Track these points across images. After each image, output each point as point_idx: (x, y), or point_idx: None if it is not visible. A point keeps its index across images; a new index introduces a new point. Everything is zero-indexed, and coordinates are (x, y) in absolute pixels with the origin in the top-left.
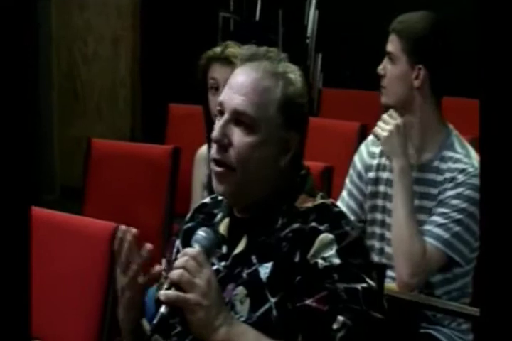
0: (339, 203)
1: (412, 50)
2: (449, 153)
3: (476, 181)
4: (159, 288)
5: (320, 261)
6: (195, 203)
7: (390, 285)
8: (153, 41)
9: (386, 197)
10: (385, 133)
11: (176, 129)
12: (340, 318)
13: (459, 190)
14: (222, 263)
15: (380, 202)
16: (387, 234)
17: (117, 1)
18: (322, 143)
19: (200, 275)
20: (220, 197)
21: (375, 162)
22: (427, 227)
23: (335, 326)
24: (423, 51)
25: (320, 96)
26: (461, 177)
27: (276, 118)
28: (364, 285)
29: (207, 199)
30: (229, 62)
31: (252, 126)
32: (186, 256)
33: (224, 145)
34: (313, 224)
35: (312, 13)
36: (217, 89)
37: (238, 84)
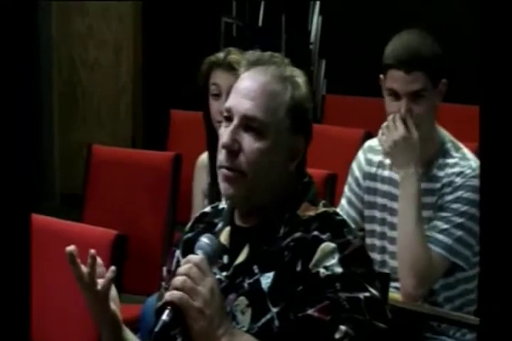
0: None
1: (437, 75)
2: (445, 160)
3: (475, 182)
4: (159, 299)
5: (322, 270)
6: (195, 212)
7: (394, 295)
8: (155, 47)
9: (385, 209)
10: (387, 144)
11: (177, 136)
12: (343, 328)
13: (458, 193)
14: (224, 273)
15: (377, 213)
16: (390, 248)
17: (119, 6)
18: (325, 151)
19: (203, 283)
20: (220, 206)
21: (373, 170)
22: (429, 233)
23: (337, 336)
24: (442, 68)
25: (323, 103)
26: (459, 181)
27: (284, 122)
28: (367, 294)
29: (207, 209)
30: (231, 69)
31: (262, 130)
32: (190, 263)
33: (234, 151)
34: (315, 232)
35: (316, 19)
36: (218, 95)
37: (246, 89)
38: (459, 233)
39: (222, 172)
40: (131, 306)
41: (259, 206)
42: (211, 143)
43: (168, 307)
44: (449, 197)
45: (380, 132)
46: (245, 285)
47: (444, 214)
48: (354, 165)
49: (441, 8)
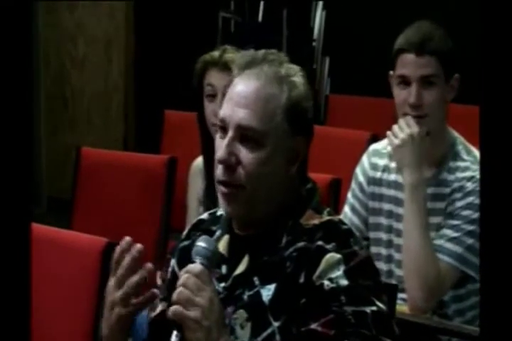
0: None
1: (449, 64)
2: (456, 163)
3: None
4: (152, 310)
5: (326, 283)
6: (190, 219)
7: (401, 307)
8: (148, 43)
9: (392, 215)
10: (397, 141)
11: (172, 138)
12: None
13: (469, 199)
14: (222, 285)
15: (384, 220)
16: (396, 256)
17: (110, 1)
18: (329, 154)
19: (201, 294)
20: (218, 213)
21: (377, 175)
22: (438, 242)
23: None
24: (456, 60)
25: (327, 103)
26: (470, 186)
27: (282, 126)
28: (373, 308)
29: (204, 215)
30: (227, 68)
31: (259, 139)
32: (188, 273)
33: (231, 165)
34: (320, 242)
35: (319, 14)
36: (213, 96)
37: (239, 96)
38: (470, 241)
39: (220, 189)
40: None
41: (261, 216)
42: (206, 147)
43: (176, 333)
44: (460, 204)
45: (389, 132)
46: (245, 297)
47: (454, 221)
48: (358, 170)
49: (444, 6)
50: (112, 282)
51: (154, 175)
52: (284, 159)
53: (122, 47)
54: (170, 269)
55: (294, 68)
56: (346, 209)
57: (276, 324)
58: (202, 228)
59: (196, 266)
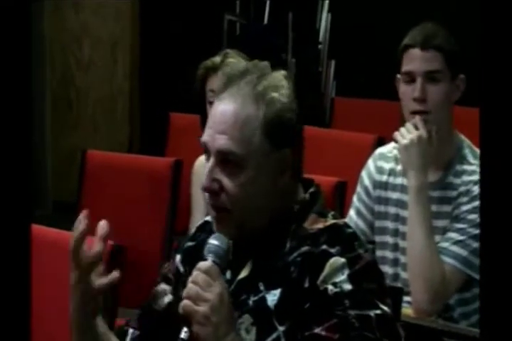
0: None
1: (454, 63)
2: (463, 167)
3: None
4: (153, 300)
5: (330, 287)
6: (194, 220)
7: (406, 310)
8: (154, 45)
9: (398, 219)
10: (405, 141)
11: (177, 140)
12: None
13: (475, 203)
14: None
15: (390, 224)
16: (402, 259)
17: (115, 2)
18: (335, 157)
19: (210, 289)
20: None
21: (383, 179)
22: (443, 245)
23: None
24: (461, 60)
25: (333, 106)
26: (476, 190)
27: (263, 146)
28: (378, 311)
29: (209, 217)
30: None
31: (239, 163)
32: (198, 270)
33: (215, 191)
34: (324, 246)
35: (325, 17)
36: None
37: (217, 122)
38: (476, 245)
39: (211, 212)
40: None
41: (256, 229)
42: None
43: (185, 329)
44: (466, 207)
45: (396, 133)
46: (250, 302)
47: (459, 225)
48: (364, 174)
49: (455, 5)
50: (71, 265)
51: (159, 177)
52: (269, 176)
53: (128, 49)
54: (174, 266)
55: (274, 80)
56: (352, 212)
57: (281, 328)
58: (207, 229)
59: (206, 263)
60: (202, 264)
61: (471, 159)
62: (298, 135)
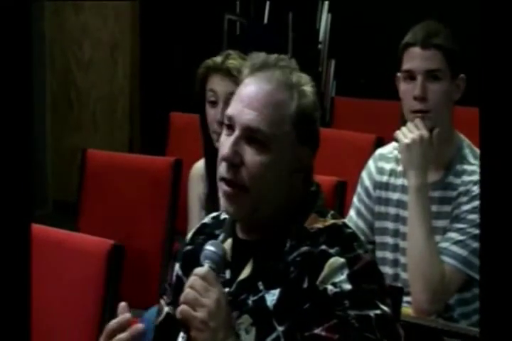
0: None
1: (455, 62)
2: (463, 167)
3: None
4: (159, 313)
5: (330, 287)
6: (192, 224)
7: (406, 309)
8: (154, 46)
9: (398, 219)
10: (406, 140)
11: (177, 140)
12: None
13: (475, 203)
14: (226, 290)
15: (390, 224)
16: (402, 259)
17: (115, 2)
18: (335, 157)
19: (208, 295)
20: (222, 217)
21: (384, 179)
22: (443, 245)
23: None
24: (461, 59)
25: (333, 106)
26: (476, 190)
27: (290, 134)
28: (377, 312)
29: (207, 219)
30: (229, 75)
31: (265, 143)
32: (195, 276)
33: (235, 164)
34: (323, 247)
35: (325, 17)
36: (215, 102)
37: (250, 97)
38: (475, 245)
39: (222, 188)
40: None
41: (263, 221)
42: (208, 151)
43: (182, 334)
44: (466, 207)
45: (398, 132)
46: (249, 302)
47: (459, 225)
48: (364, 174)
49: (455, 6)
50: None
51: (160, 177)
52: (288, 167)
53: (128, 49)
54: (174, 273)
55: (304, 77)
56: (352, 213)
57: (280, 329)
58: (205, 232)
59: (203, 269)
60: (199, 270)
61: (471, 159)
62: (317, 138)
